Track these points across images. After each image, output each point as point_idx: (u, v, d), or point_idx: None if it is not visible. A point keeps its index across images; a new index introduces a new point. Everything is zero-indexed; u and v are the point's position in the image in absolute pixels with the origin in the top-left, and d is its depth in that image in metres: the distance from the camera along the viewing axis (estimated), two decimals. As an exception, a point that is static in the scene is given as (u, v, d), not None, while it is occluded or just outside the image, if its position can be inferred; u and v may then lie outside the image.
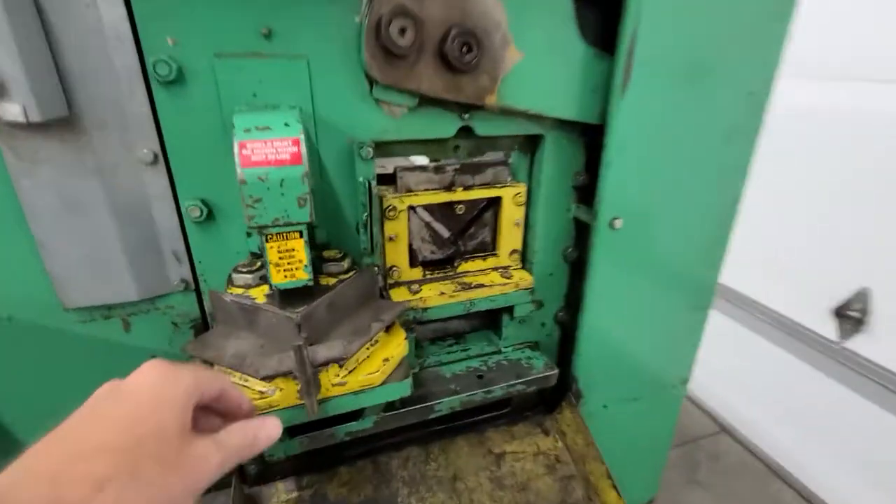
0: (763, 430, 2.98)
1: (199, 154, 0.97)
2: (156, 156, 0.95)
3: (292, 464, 1.50)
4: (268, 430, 0.75)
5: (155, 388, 0.61)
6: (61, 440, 0.56)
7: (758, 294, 3.00)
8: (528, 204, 1.34)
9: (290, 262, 0.96)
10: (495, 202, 1.42)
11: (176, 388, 0.62)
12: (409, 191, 1.31)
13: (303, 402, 0.98)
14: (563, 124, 1.28)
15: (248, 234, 1.12)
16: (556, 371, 1.47)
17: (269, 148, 0.84)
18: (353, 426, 1.30)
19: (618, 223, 1.31)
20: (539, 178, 1.29)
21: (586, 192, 1.35)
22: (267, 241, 0.92)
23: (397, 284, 1.38)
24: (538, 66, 1.16)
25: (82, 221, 0.96)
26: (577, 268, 1.41)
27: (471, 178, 1.37)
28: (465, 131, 1.19)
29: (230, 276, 1.07)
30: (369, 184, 1.11)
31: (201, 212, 1.04)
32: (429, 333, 1.59)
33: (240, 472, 1.46)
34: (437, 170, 1.33)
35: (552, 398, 1.55)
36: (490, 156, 1.41)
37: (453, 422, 1.60)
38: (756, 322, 2.97)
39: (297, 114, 0.91)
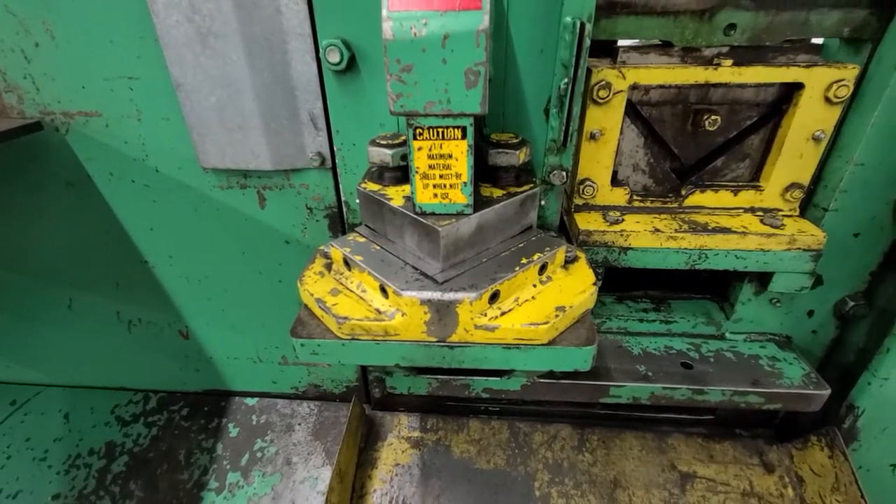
0: None
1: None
2: (294, -32, 0.72)
3: (420, 400, 1.28)
4: None
5: None
6: None
7: None
8: (853, 105, 0.79)
9: (445, 174, 0.66)
10: (785, 95, 0.84)
11: None
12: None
13: (431, 338, 0.67)
14: None
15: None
16: (826, 391, 0.91)
17: None
18: (495, 383, 0.98)
19: None
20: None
21: None
22: (415, 137, 0.61)
23: (588, 207, 0.95)
24: None
25: (216, 59, 0.84)
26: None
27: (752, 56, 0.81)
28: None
29: (367, 150, 0.79)
30: (582, 27, 0.67)
31: (341, 55, 0.76)
32: (615, 284, 1.14)
33: (365, 390, 1.31)
34: (688, 53, 0.81)
35: (792, 421, 1.01)
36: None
37: (624, 409, 1.18)
38: None
39: None
